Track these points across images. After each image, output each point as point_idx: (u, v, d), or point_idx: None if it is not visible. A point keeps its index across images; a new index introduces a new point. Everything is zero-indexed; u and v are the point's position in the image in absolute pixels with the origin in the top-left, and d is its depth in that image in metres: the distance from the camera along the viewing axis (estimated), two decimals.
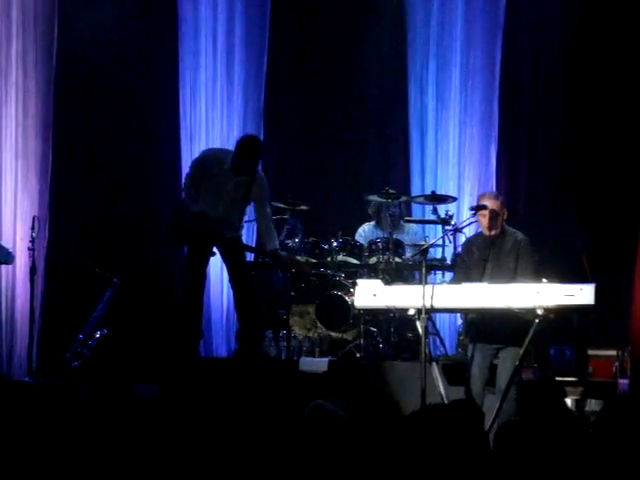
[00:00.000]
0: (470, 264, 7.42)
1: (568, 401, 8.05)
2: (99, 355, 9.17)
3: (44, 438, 4.48)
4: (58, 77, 10.36)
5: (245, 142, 8.39)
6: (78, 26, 10.41)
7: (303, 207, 9.21)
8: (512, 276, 7.27)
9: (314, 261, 8.99)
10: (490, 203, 7.37)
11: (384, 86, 10.52)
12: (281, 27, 10.62)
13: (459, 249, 8.23)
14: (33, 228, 9.53)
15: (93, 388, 5.00)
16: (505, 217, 7.43)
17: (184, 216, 8.46)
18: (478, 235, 7.59)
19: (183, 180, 8.76)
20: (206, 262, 8.52)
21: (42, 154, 10.27)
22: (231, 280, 8.57)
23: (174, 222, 8.58)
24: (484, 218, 7.35)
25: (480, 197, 7.56)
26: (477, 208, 7.38)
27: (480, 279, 7.30)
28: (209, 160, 8.55)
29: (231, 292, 8.79)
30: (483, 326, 7.28)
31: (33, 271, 9.52)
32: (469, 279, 7.38)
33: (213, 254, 8.45)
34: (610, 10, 9.76)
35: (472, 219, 7.56)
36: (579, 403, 8.05)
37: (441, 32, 10.23)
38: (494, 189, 9.41)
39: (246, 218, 8.82)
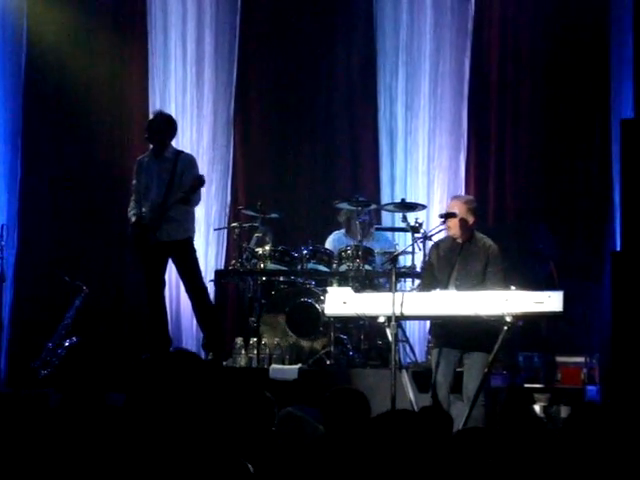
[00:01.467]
0: (437, 267, 7.45)
1: (536, 408, 8.09)
2: (68, 364, 9.12)
3: (12, 448, 4.46)
4: (27, 85, 10.34)
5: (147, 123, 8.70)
6: (47, 35, 10.39)
7: (273, 215, 9.22)
8: (479, 280, 7.30)
9: (284, 268, 9.00)
10: (459, 207, 7.40)
11: (354, 94, 10.54)
12: (250, 35, 10.62)
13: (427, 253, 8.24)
14: (2, 236, 9.49)
15: (67, 398, 4.98)
16: (474, 221, 7.46)
17: (130, 234, 8.68)
18: (446, 238, 7.61)
19: None
20: (156, 267, 8.52)
21: (10, 162, 10.24)
22: (186, 289, 8.61)
23: (131, 242, 8.72)
24: (453, 224, 7.38)
25: (451, 200, 7.60)
26: (446, 216, 7.41)
27: (447, 281, 7.34)
28: (137, 165, 8.78)
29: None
30: (448, 331, 7.30)
31: (2, 279, 9.48)
32: (436, 281, 7.42)
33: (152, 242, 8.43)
34: (581, 19, 9.84)
35: (441, 227, 7.59)
36: (547, 410, 8.09)
37: (410, 40, 10.26)
38: None
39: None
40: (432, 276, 7.47)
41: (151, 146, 8.70)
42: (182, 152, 8.73)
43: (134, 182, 8.71)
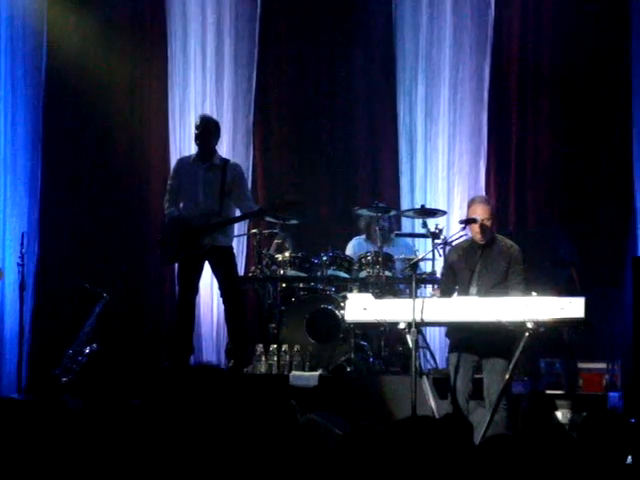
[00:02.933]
0: (458, 268, 7.43)
1: (558, 414, 8.05)
2: (89, 371, 9.14)
3: (34, 455, 4.46)
4: (47, 93, 10.39)
5: (195, 126, 8.71)
6: (67, 41, 10.43)
7: (293, 221, 9.22)
8: (500, 281, 7.28)
9: (304, 275, 8.99)
10: (480, 209, 7.37)
11: (373, 101, 10.54)
12: (270, 43, 10.64)
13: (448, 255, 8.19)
14: (22, 244, 9.52)
15: (90, 405, 4.98)
16: (495, 221, 7.45)
17: (163, 230, 8.65)
18: (466, 241, 7.58)
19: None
20: (194, 273, 8.54)
21: (31, 170, 10.28)
22: (222, 294, 8.60)
23: (161, 239, 8.68)
24: (479, 227, 7.36)
25: (471, 202, 7.57)
26: (467, 222, 7.39)
27: (468, 283, 7.32)
28: (178, 166, 8.83)
29: (222, 306, 8.81)
30: (467, 336, 7.27)
31: (22, 287, 9.51)
32: (455, 284, 7.40)
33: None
34: (600, 25, 9.80)
35: (462, 232, 7.56)
36: (569, 416, 8.05)
37: (430, 47, 10.25)
38: None
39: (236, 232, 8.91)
40: (451, 278, 7.45)
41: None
42: (229, 160, 8.75)
43: (172, 182, 8.69)
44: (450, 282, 7.47)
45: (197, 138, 8.59)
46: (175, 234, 8.48)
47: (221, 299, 8.69)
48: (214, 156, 8.60)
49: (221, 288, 8.58)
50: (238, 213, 8.70)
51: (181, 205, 8.60)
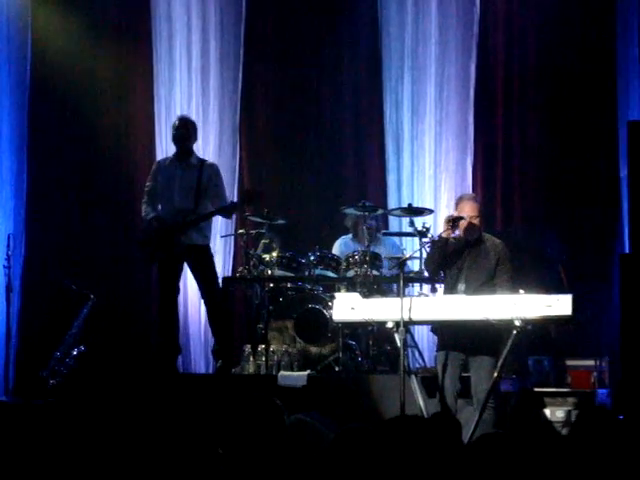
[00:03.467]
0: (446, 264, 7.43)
1: (547, 412, 8.06)
2: (76, 373, 9.12)
3: (22, 456, 4.45)
4: (32, 94, 10.36)
5: (172, 127, 8.78)
6: (52, 42, 10.40)
7: (280, 221, 9.20)
8: (488, 278, 7.28)
9: (291, 275, 8.98)
10: (469, 207, 7.37)
11: (359, 99, 10.54)
12: (255, 43, 10.62)
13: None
14: (8, 245, 9.49)
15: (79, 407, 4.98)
16: (482, 219, 7.44)
17: (141, 231, 8.72)
18: (455, 237, 7.56)
19: None
20: (173, 273, 8.56)
21: (17, 171, 10.25)
22: (202, 294, 8.63)
23: (141, 240, 8.70)
24: (463, 223, 7.35)
25: (459, 199, 7.56)
26: (454, 220, 7.37)
27: (456, 280, 7.32)
28: (156, 167, 8.88)
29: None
30: (454, 334, 7.27)
31: (9, 289, 9.48)
32: (445, 276, 7.42)
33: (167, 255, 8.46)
34: (586, 22, 9.81)
35: (449, 230, 7.51)
36: (557, 414, 8.06)
37: (415, 45, 10.26)
38: None
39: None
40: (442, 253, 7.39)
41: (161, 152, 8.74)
42: (205, 160, 8.81)
43: (150, 183, 8.76)
44: (439, 256, 7.44)
45: (175, 138, 8.67)
46: (152, 234, 8.50)
47: (202, 300, 8.71)
48: (191, 156, 8.66)
49: (200, 288, 8.63)
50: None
51: (159, 206, 8.64)
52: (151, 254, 8.57)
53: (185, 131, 8.64)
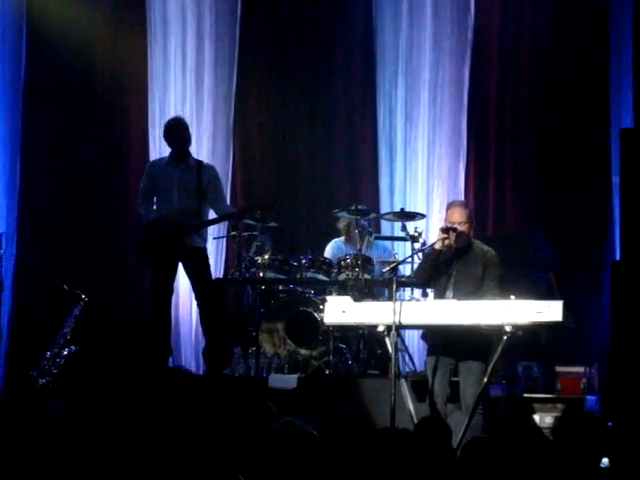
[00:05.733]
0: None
1: (536, 418, 8.07)
2: (67, 372, 9.11)
3: (11, 456, 4.45)
4: (26, 93, 10.35)
5: (165, 127, 8.78)
6: (47, 43, 10.40)
7: (272, 224, 9.21)
8: (477, 286, 7.30)
9: (283, 277, 8.97)
10: (458, 213, 7.39)
11: (353, 104, 10.55)
12: (250, 46, 10.63)
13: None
14: (0, 245, 9.48)
15: (72, 407, 4.97)
16: (473, 225, 7.46)
17: (140, 232, 8.67)
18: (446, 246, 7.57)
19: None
20: (170, 274, 8.56)
21: (10, 170, 10.24)
22: (196, 295, 8.63)
23: (140, 241, 8.68)
24: (460, 233, 7.36)
25: (449, 205, 7.58)
26: (447, 230, 7.38)
27: (444, 287, 7.35)
28: (151, 167, 8.88)
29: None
30: (444, 339, 7.29)
31: (0, 288, 9.47)
32: (435, 283, 7.41)
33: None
34: (580, 29, 9.84)
35: (443, 237, 7.50)
36: (547, 420, 8.08)
37: (410, 51, 10.27)
38: None
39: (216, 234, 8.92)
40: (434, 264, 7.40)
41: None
42: (202, 161, 8.81)
43: (145, 184, 8.74)
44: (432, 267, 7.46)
45: (185, 140, 8.63)
46: (152, 235, 8.48)
47: (196, 301, 8.70)
48: (189, 157, 8.64)
49: (196, 290, 8.61)
50: (211, 213, 8.72)
51: (155, 206, 8.63)
52: (151, 255, 8.54)
53: (189, 133, 8.67)
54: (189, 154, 8.69)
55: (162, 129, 8.91)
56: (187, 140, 8.66)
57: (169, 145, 8.75)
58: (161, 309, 8.60)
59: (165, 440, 4.57)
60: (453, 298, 7.29)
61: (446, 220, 7.48)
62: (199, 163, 8.69)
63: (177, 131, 8.67)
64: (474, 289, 7.29)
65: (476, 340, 7.11)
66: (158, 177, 8.65)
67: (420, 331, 8.70)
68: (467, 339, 7.12)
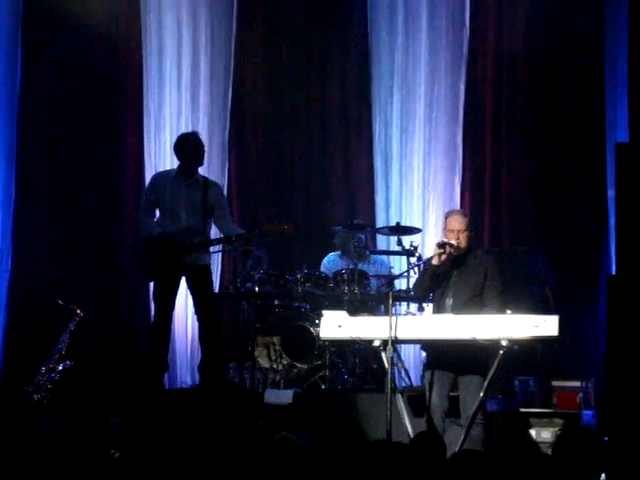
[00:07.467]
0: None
1: (532, 432, 8.06)
2: (62, 388, 9.09)
3: (6, 471, 4.43)
4: (22, 107, 10.34)
5: (177, 141, 8.66)
6: (43, 55, 10.40)
7: (268, 238, 9.19)
8: (477, 293, 7.28)
9: (279, 292, 8.96)
10: (456, 221, 7.38)
11: (349, 117, 10.56)
12: (245, 60, 10.64)
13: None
14: None
15: (66, 422, 4.95)
16: (472, 234, 7.45)
17: (142, 245, 8.58)
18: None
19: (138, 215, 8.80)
20: (171, 291, 8.51)
21: (4, 185, 10.23)
22: (197, 311, 8.57)
23: (140, 255, 8.64)
24: (452, 234, 7.36)
25: (447, 214, 7.57)
26: (443, 245, 7.36)
27: (443, 294, 7.33)
28: (155, 181, 8.81)
29: (196, 323, 8.77)
30: (442, 353, 7.28)
31: None
32: (433, 290, 7.41)
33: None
34: (575, 43, 9.85)
35: (440, 251, 7.48)
36: (543, 434, 8.06)
37: (405, 65, 10.28)
38: None
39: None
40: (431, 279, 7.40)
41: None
42: (207, 178, 8.73)
43: (148, 197, 8.66)
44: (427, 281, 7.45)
45: (201, 156, 8.54)
46: (155, 251, 8.42)
47: (196, 316, 8.66)
48: (196, 173, 8.57)
49: (197, 306, 8.55)
50: (215, 230, 8.69)
51: (158, 220, 8.57)
52: (152, 270, 8.49)
53: (198, 147, 8.55)
54: (196, 170, 8.61)
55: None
56: (201, 160, 8.56)
57: (179, 159, 8.61)
58: (161, 325, 8.55)
59: (158, 452, 4.56)
60: (453, 305, 7.27)
61: (445, 229, 7.47)
62: (205, 179, 8.62)
63: (193, 149, 8.52)
64: (473, 295, 7.27)
65: (475, 354, 7.09)
66: (164, 192, 8.54)
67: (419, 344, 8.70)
68: (465, 353, 7.11)
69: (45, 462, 4.56)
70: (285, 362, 8.75)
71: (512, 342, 6.91)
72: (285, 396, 8.18)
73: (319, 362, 8.68)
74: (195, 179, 8.53)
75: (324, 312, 7.81)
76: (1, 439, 4.63)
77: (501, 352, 6.90)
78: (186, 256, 8.35)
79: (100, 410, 7.76)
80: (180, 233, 8.41)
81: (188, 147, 8.53)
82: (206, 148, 10.15)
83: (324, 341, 8.15)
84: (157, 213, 8.67)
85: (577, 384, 8.54)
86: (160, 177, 8.81)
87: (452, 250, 7.30)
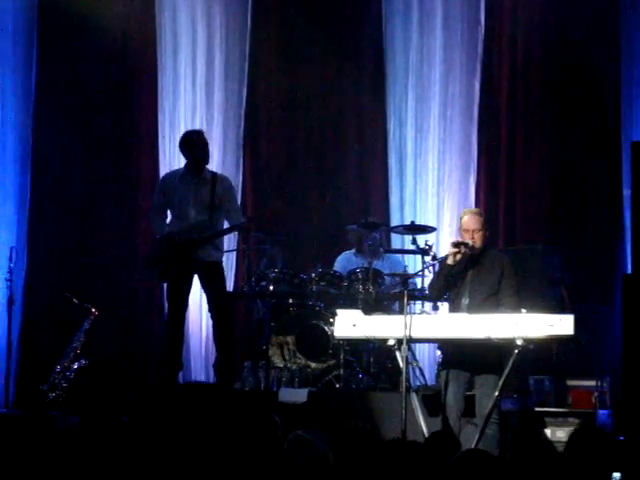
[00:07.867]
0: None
1: (547, 432, 8.03)
2: (77, 387, 9.11)
3: (21, 469, 4.44)
4: (37, 107, 10.37)
5: (183, 138, 8.68)
6: (58, 55, 10.43)
7: (283, 237, 9.20)
8: (493, 291, 7.27)
9: (293, 291, 8.95)
10: (472, 221, 7.37)
11: (363, 116, 10.55)
12: (260, 58, 10.64)
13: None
14: (11, 259, 9.49)
15: (86, 421, 4.96)
16: (487, 234, 7.43)
17: (153, 245, 8.60)
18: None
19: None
20: (185, 289, 8.53)
21: (20, 184, 10.26)
22: (210, 308, 8.58)
23: (153, 256, 8.67)
24: (467, 233, 7.35)
25: (463, 213, 7.56)
26: (458, 245, 7.35)
27: (459, 293, 7.31)
28: (164, 181, 8.86)
29: (210, 322, 8.78)
30: (458, 352, 7.26)
31: (11, 302, 9.48)
32: (448, 290, 7.39)
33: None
34: (590, 42, 9.82)
35: (454, 250, 7.46)
36: (558, 434, 8.03)
37: (420, 63, 10.27)
38: None
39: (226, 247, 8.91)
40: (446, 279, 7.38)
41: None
42: (216, 173, 8.74)
43: (157, 199, 8.69)
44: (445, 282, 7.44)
45: (205, 158, 8.55)
46: (166, 250, 8.45)
47: (209, 314, 8.67)
48: (204, 170, 8.59)
49: (210, 303, 8.57)
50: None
51: (169, 220, 8.60)
52: (166, 269, 8.49)
53: (205, 145, 8.56)
54: (204, 167, 8.63)
55: (179, 139, 8.81)
56: (207, 158, 8.58)
57: (185, 157, 8.63)
58: (176, 324, 8.57)
59: (175, 453, 4.56)
60: (469, 305, 7.26)
61: (460, 228, 7.46)
62: (213, 175, 8.64)
63: (199, 148, 8.54)
64: (490, 295, 7.26)
65: (491, 353, 7.07)
66: (172, 192, 8.56)
67: (435, 344, 8.69)
68: (481, 352, 7.09)
69: (61, 460, 4.57)
70: (299, 361, 8.74)
71: (527, 341, 6.89)
72: (299, 395, 8.18)
73: (333, 361, 8.67)
74: (203, 176, 8.54)
75: (338, 311, 7.81)
76: (17, 437, 4.64)
77: (516, 351, 6.89)
78: (195, 252, 8.37)
79: (115, 409, 7.78)
80: (188, 231, 8.43)
81: (193, 147, 8.55)
82: (221, 146, 10.20)
83: (338, 340, 8.14)
84: (169, 213, 8.69)
85: (592, 383, 8.51)
86: (168, 178, 8.85)
87: (467, 250, 7.29)
